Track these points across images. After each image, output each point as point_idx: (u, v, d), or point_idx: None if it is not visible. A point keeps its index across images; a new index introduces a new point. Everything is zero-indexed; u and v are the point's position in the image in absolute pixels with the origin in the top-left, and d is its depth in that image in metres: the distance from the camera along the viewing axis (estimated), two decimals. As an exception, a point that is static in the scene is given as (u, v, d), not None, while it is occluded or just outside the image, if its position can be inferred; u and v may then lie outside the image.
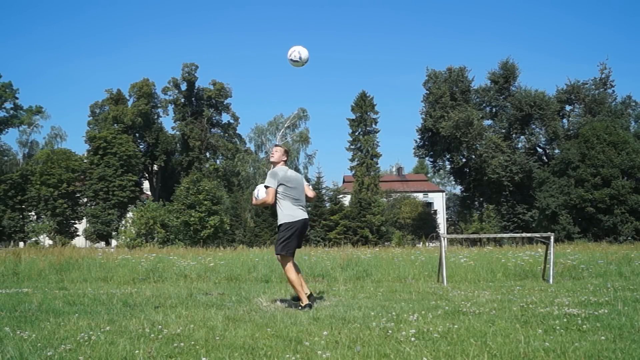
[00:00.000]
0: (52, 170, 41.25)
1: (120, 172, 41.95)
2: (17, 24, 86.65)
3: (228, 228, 37.91)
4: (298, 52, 6.06)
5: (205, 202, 35.25)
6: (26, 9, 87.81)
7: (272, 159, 5.99)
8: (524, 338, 3.62)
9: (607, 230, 31.90)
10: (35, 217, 43.12)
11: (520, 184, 38.35)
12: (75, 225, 43.08)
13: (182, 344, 3.57)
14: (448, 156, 41.46)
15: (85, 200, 43.28)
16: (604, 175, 32.17)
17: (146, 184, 50.21)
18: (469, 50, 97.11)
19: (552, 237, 8.65)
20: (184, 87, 49.21)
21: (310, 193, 6.03)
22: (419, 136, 41.93)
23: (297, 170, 44.02)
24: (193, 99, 49.50)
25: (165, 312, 5.19)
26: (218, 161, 49.06)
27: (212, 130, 50.11)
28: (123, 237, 35.67)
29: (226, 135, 50.63)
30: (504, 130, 39.91)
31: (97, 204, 41.68)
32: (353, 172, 42.78)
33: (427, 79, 40.82)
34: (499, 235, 12.27)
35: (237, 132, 51.30)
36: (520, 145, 40.56)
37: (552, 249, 8.51)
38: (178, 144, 49.70)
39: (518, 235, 9.89)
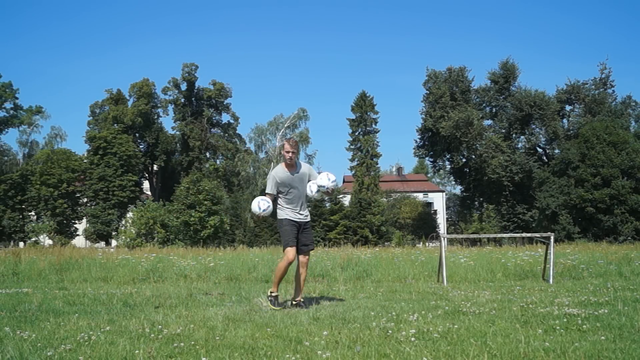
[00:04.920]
0: (52, 170, 41.24)
1: (120, 172, 41.95)
2: (17, 24, 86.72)
3: (228, 228, 37.88)
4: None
5: (205, 202, 35.23)
6: (26, 9, 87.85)
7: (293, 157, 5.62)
8: (524, 338, 3.62)
9: (607, 230, 31.89)
10: (35, 217, 43.09)
11: (520, 184, 38.34)
12: (75, 225, 43.07)
13: (182, 344, 3.57)
14: (448, 156, 41.45)
15: (85, 200, 43.26)
16: (604, 175, 32.16)
17: (146, 184, 50.19)
18: (469, 50, 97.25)
19: (552, 237, 8.65)
20: (184, 87, 49.20)
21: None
22: (419, 136, 41.95)
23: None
24: (193, 99, 49.48)
25: (165, 312, 5.19)
26: (218, 161, 49.02)
27: (212, 130, 50.09)
28: (123, 237, 35.64)
29: (226, 135, 50.59)
30: (504, 130, 39.90)
31: (97, 204, 41.67)
32: (353, 172, 42.76)
33: (427, 79, 40.83)
34: (499, 235, 12.27)
35: (237, 132, 51.31)
36: (520, 145, 40.57)
37: (552, 249, 8.51)
38: (178, 144, 49.67)
39: (518, 235, 9.90)
